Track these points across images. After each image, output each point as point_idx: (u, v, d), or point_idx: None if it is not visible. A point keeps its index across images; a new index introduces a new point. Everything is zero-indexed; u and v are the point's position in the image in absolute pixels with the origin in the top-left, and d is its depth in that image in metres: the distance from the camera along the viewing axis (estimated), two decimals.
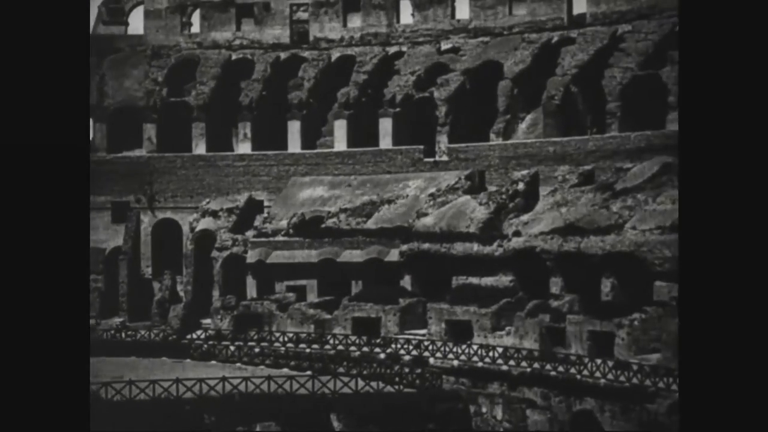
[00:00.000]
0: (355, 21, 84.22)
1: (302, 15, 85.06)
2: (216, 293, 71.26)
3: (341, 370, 55.53)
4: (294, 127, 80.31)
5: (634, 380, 45.94)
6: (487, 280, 61.04)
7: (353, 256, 67.46)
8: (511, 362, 52.17)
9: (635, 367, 46.48)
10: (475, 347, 54.33)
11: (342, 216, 70.31)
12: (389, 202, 70.37)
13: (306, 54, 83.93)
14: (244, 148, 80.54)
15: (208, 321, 67.93)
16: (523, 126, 74.38)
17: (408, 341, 57.08)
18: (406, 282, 65.21)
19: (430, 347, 55.78)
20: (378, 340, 58.86)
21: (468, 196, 66.37)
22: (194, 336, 66.31)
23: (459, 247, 63.00)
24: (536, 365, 51.08)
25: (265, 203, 76.87)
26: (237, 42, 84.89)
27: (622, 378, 46.52)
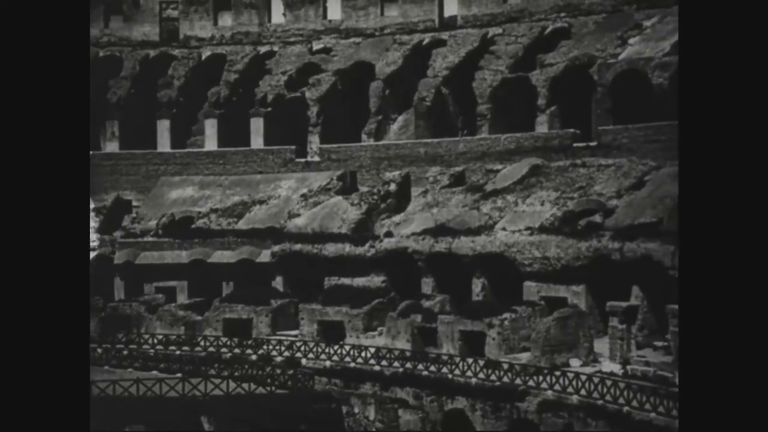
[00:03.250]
0: (226, 20, 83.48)
1: (172, 13, 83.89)
2: None
3: (212, 372, 54.82)
4: (163, 126, 79.22)
5: (505, 379, 46.43)
6: (359, 281, 61.12)
7: (224, 256, 66.83)
8: (384, 362, 52.23)
9: (505, 366, 46.98)
10: (347, 348, 54.25)
11: (213, 216, 69.57)
12: (261, 202, 69.91)
13: (176, 52, 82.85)
14: (111, 147, 79.13)
15: None
16: (394, 127, 74.64)
17: (280, 342, 56.70)
18: (278, 283, 64.91)
19: (303, 348, 55.52)
20: (249, 342, 58.32)
21: (340, 197, 66.35)
22: None
23: (331, 248, 62.94)
24: (408, 365, 51.23)
25: (134, 203, 75.58)
26: (105, 39, 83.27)
27: (492, 377, 46.98)
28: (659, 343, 47.83)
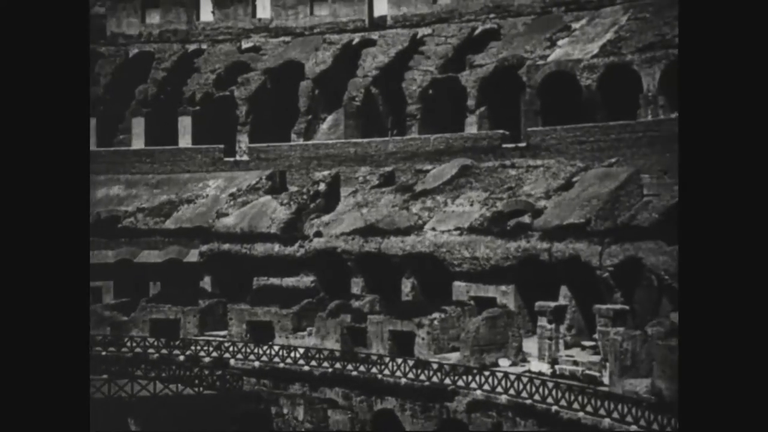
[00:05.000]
0: (154, 17, 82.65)
1: (99, 10, 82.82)
2: None
3: (139, 373, 54.17)
4: (90, 124, 78.08)
5: (434, 379, 46.48)
6: (289, 281, 60.86)
7: (151, 256, 66.11)
8: (313, 363, 52.05)
9: (435, 366, 47.04)
10: (276, 348, 53.96)
11: (140, 216, 68.82)
12: (189, 201, 69.30)
13: (103, 49, 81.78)
14: None
15: None
16: (324, 127, 74.50)
17: (208, 343, 56.19)
18: (206, 283, 64.36)
19: (231, 349, 55.09)
20: (177, 342, 57.74)
21: (269, 197, 66.01)
22: None
23: (260, 248, 62.59)
24: (338, 365, 51.11)
25: None
26: None
27: (422, 377, 47.00)
28: (587, 343, 48.27)
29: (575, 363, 45.54)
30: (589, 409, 39.07)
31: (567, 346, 47.95)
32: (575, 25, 66.87)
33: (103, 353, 57.94)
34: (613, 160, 56.72)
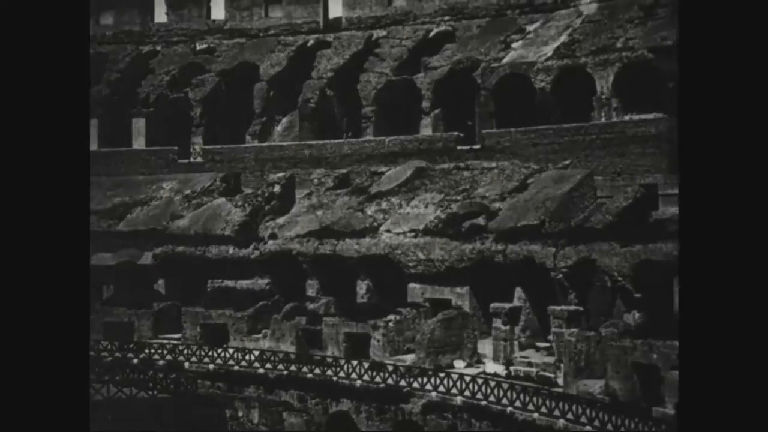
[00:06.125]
0: (108, 18, 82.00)
1: None
2: None
3: (92, 376, 53.72)
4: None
5: (390, 381, 46.52)
6: (243, 283, 60.59)
7: (104, 259, 65.54)
8: (268, 365, 51.91)
9: (390, 368, 47.07)
10: (231, 351, 53.77)
11: (93, 218, 68.15)
12: (142, 203, 68.82)
13: None
14: None
15: None
16: (279, 128, 74.33)
17: (162, 346, 55.89)
18: (160, 285, 63.88)
19: (185, 352, 54.83)
20: (131, 345, 57.36)
21: (223, 199, 65.71)
22: None
23: (214, 250, 62.30)
24: (293, 368, 51.02)
25: None
26: None
27: (377, 379, 47.03)
28: (542, 344, 48.49)
29: (530, 364, 45.79)
30: (543, 410, 39.30)
31: (522, 348, 48.16)
32: (529, 28, 67.18)
33: None
34: (567, 162, 57.04)
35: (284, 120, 74.18)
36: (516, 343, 47.87)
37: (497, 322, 47.83)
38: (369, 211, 59.50)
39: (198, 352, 54.38)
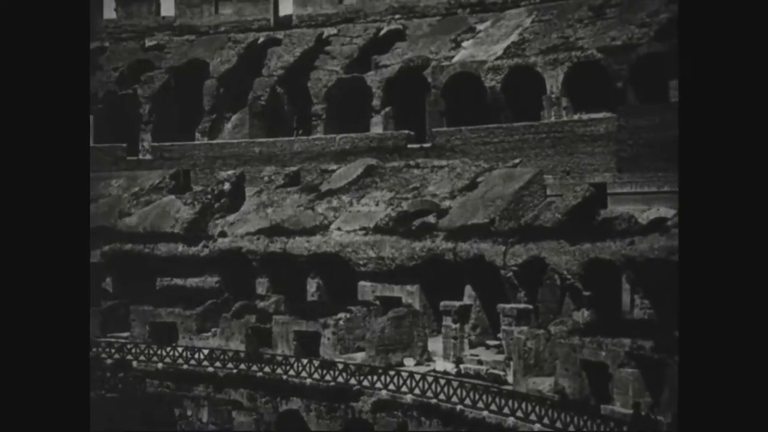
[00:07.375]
0: None
1: None
2: None
3: None
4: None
5: (340, 379, 46.44)
6: (193, 281, 60.27)
7: None
8: (217, 364, 51.63)
9: (340, 366, 47.00)
10: (180, 349, 53.44)
11: None
12: (90, 201, 68.17)
13: None
14: None
15: None
16: (229, 126, 73.98)
17: (110, 344, 55.40)
18: (108, 284, 63.27)
19: (134, 350, 54.39)
20: None
21: (173, 196, 65.31)
22: None
23: (163, 248, 61.88)
24: (242, 366, 50.78)
25: None
26: None
27: (327, 377, 46.94)
28: (491, 342, 48.66)
29: (480, 362, 45.92)
30: (493, 407, 39.38)
31: (471, 346, 48.29)
32: (480, 27, 67.36)
33: None
34: (516, 160, 57.26)
35: (234, 117, 73.82)
36: (466, 341, 47.97)
37: (447, 320, 47.89)
38: (319, 209, 59.42)
39: (146, 351, 53.96)
